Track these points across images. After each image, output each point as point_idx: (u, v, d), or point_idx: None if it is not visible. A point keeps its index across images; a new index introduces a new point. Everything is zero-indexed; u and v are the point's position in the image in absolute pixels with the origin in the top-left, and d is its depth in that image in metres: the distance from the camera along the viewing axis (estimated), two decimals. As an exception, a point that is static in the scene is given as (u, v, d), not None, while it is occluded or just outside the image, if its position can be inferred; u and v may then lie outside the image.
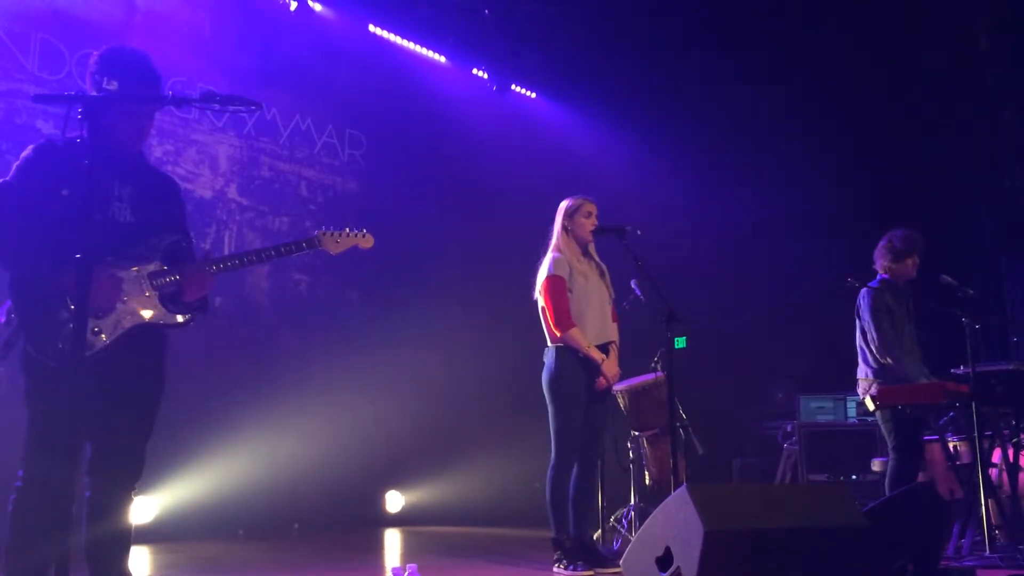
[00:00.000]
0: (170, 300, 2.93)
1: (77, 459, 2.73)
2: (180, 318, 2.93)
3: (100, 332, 2.77)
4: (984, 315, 5.32)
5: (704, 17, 8.01)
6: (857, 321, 5.20)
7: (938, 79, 8.05)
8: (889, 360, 4.99)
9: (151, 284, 2.88)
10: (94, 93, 2.80)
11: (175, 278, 2.90)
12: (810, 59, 8.21)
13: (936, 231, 5.88)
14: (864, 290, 5.20)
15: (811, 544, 3.14)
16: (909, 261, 5.23)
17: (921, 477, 5.32)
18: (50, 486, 2.64)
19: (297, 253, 3.12)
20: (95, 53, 2.90)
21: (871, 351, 5.08)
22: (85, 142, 2.50)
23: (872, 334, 5.06)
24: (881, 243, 5.33)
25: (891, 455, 4.97)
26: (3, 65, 5.84)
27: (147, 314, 2.87)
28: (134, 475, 2.92)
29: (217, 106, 2.56)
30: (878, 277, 5.29)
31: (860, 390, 5.17)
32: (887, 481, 4.96)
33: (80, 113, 2.47)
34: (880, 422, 5.07)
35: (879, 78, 8.24)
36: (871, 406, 5.06)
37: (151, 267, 2.89)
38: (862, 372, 5.16)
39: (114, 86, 2.80)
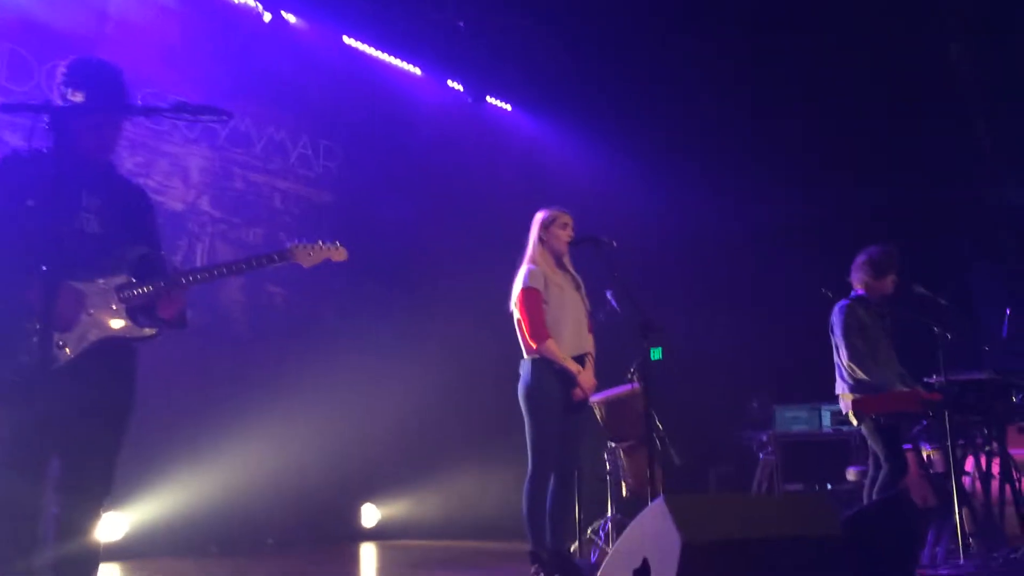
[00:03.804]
0: (139, 313, 2.88)
1: (43, 475, 2.67)
2: (148, 331, 2.88)
3: (64, 345, 2.71)
4: (956, 325, 5.37)
5: (680, 29, 8.06)
6: (832, 338, 5.23)
7: (911, 91, 8.14)
8: (861, 373, 5.02)
9: (118, 297, 2.82)
10: (60, 103, 2.75)
11: (143, 291, 2.84)
12: (786, 73, 8.28)
13: (908, 242, 5.94)
14: (836, 307, 5.24)
15: (789, 554, 3.13)
16: (888, 279, 5.26)
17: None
18: (15, 503, 2.58)
19: (269, 266, 3.07)
20: (62, 63, 2.86)
21: (845, 366, 5.12)
22: (51, 152, 2.45)
23: (844, 350, 5.09)
24: (859, 259, 5.33)
25: (884, 464, 4.96)
26: (-30, 76, 5.76)
27: (114, 327, 2.81)
28: (103, 491, 2.85)
29: (188, 116, 2.52)
30: (852, 293, 5.31)
31: (842, 407, 5.20)
32: (875, 488, 4.96)
33: (47, 123, 2.43)
34: (866, 434, 5.08)
35: (854, 91, 8.32)
36: (855, 421, 5.08)
37: (118, 280, 2.83)
38: (839, 388, 5.20)
39: (80, 97, 2.75)
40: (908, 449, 5.63)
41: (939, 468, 5.60)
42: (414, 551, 6.80)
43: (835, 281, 5.48)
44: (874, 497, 4.94)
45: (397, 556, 6.49)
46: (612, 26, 8.19)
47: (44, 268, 2.23)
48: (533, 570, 4.45)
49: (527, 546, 4.50)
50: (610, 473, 5.83)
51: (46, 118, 2.41)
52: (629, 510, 5.51)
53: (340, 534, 7.30)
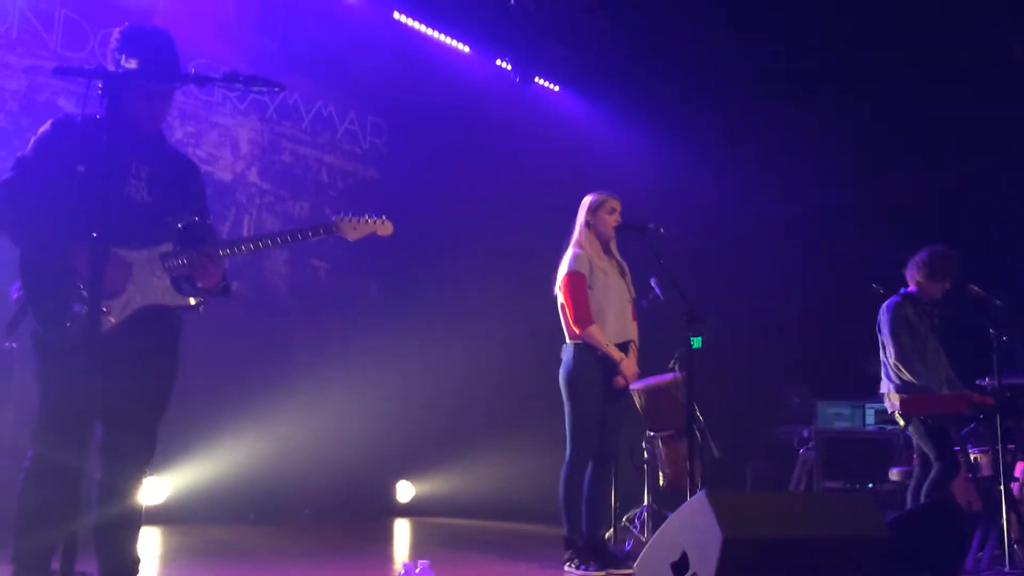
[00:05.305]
0: (183, 282, 2.88)
1: (87, 440, 2.70)
2: (192, 300, 2.88)
3: (109, 312, 2.72)
4: (1011, 326, 5.22)
5: (726, 12, 7.90)
6: (879, 336, 5.13)
7: (963, 79, 7.89)
8: (907, 374, 4.92)
9: (163, 265, 2.83)
10: (114, 69, 2.75)
11: (183, 261, 2.85)
12: (836, 58, 8.08)
13: (961, 239, 5.79)
14: (884, 305, 5.13)
15: (831, 554, 3.07)
16: (940, 285, 5.12)
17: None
18: (60, 466, 2.61)
19: (314, 238, 3.06)
20: (116, 30, 2.85)
21: (892, 365, 5.02)
22: (104, 119, 2.45)
23: (891, 348, 5.00)
24: (919, 256, 5.19)
25: (935, 464, 4.86)
26: (26, 41, 5.83)
27: (157, 296, 2.81)
28: (145, 457, 2.88)
29: (239, 86, 2.50)
30: (902, 291, 5.20)
31: (887, 405, 5.10)
32: (925, 489, 4.86)
33: (100, 89, 2.43)
34: (913, 435, 4.99)
35: (904, 78, 8.09)
36: (901, 421, 4.98)
37: (164, 248, 2.84)
38: (885, 387, 5.09)
39: (133, 64, 2.74)
40: (955, 451, 5.51)
41: (985, 471, 5.47)
42: (448, 529, 6.82)
43: (880, 273, 5.36)
44: (923, 498, 4.84)
45: (430, 533, 6.51)
46: (662, 9, 8.05)
47: (94, 235, 2.23)
48: (567, 556, 4.43)
49: (561, 531, 4.48)
50: (647, 462, 5.78)
51: (100, 84, 2.40)
52: (665, 500, 5.47)
53: (375, 508, 7.34)
